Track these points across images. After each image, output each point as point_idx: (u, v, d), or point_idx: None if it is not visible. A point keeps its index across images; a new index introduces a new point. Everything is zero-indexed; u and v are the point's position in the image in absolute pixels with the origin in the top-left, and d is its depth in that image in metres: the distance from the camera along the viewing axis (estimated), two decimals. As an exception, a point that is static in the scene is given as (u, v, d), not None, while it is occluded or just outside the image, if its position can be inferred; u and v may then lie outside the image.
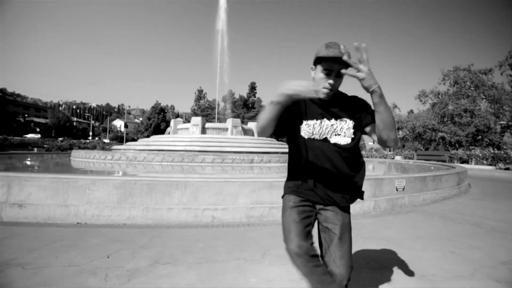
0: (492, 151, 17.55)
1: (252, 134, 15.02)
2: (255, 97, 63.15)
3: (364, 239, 2.83)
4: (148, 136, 27.92)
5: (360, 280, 1.89)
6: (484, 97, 27.05)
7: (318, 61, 1.15)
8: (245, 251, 2.38)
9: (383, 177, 4.46)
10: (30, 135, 38.40)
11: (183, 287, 1.74)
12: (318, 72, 1.15)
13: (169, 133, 14.74)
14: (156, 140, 12.41)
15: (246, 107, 62.27)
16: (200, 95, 64.77)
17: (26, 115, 55.18)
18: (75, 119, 69.17)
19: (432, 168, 9.18)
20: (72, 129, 58.68)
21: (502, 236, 3.08)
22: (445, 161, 16.42)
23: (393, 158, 20.04)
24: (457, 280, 1.96)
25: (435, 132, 26.95)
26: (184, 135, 13.23)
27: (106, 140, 47.16)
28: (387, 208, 4.31)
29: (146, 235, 2.79)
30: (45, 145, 21.72)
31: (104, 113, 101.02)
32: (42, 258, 2.10)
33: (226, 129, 14.43)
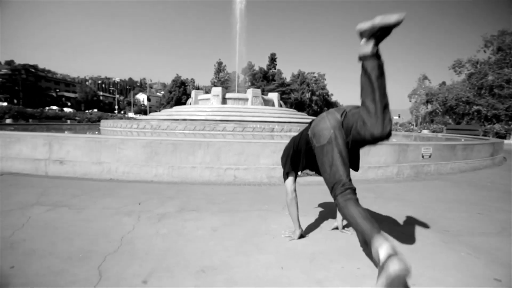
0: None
1: (272, 105, 14.85)
2: (275, 69, 61.35)
3: (386, 199, 2.82)
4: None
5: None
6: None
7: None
8: (267, 204, 2.47)
9: (408, 143, 4.29)
10: (65, 109, 40.78)
11: (207, 227, 1.86)
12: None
13: (190, 104, 14.94)
14: (178, 111, 12.67)
15: (266, 79, 60.93)
16: (219, 67, 64.04)
17: (57, 90, 58.16)
18: (101, 93, 71.89)
19: (462, 140, 8.67)
20: (99, 103, 61.32)
21: (536, 202, 2.92)
22: (478, 135, 15.39)
23: (420, 132, 19.12)
24: (484, 236, 1.91)
25: (469, 105, 25.01)
26: (205, 105, 13.35)
27: (131, 114, 48.90)
28: (411, 175, 4.20)
29: (172, 189, 2.97)
30: (76, 118, 23.04)
31: (127, 87, 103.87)
32: (83, 202, 2.33)
33: (247, 99, 14.33)
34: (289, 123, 10.10)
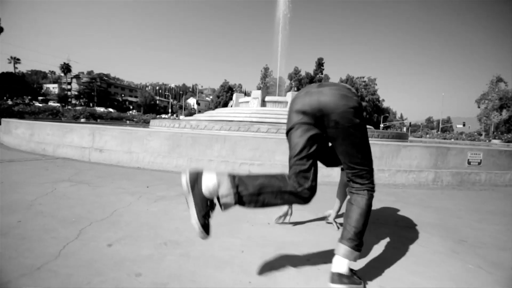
0: None
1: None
2: (322, 73, 59.81)
3: (406, 204, 2.51)
4: (215, 113, 30.16)
5: (382, 234, 1.71)
6: None
7: None
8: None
9: (449, 146, 3.75)
10: (130, 112, 46.61)
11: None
12: None
13: (231, 106, 15.51)
14: (219, 112, 13.24)
15: (312, 85, 59.67)
16: (266, 73, 65.09)
17: (122, 95, 66.24)
18: (157, 98, 79.43)
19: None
20: (156, 107, 67.76)
21: None
22: None
23: (488, 141, 16.49)
24: (509, 252, 1.58)
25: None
26: (244, 107, 13.71)
27: (182, 116, 52.91)
28: (452, 183, 3.66)
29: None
30: (134, 119, 25.92)
31: (180, 92, 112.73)
32: (102, 182, 2.62)
33: (286, 102, 14.33)
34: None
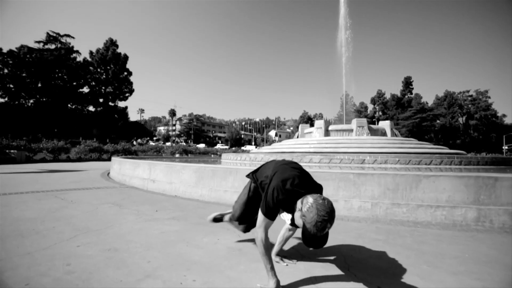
0: None
1: (384, 134, 13.24)
2: (411, 93, 53.19)
3: (400, 247, 2.21)
4: (290, 143, 31.02)
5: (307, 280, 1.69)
6: None
7: None
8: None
9: (497, 176, 2.94)
10: (217, 146, 53.41)
11: (171, 230, 2.33)
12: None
13: (297, 137, 15.79)
14: (282, 144, 13.75)
15: (400, 107, 53.65)
16: (346, 99, 62.74)
17: (213, 132, 76.39)
18: (242, 132, 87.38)
19: None
20: (241, 140, 74.49)
21: None
22: None
23: None
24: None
25: None
26: (306, 138, 13.76)
27: (252, 147, 56.27)
28: (511, 224, 2.83)
29: (197, 206, 3.63)
30: (218, 152, 29.38)
31: (263, 125, 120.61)
32: (129, 204, 3.42)
33: (351, 130, 13.66)
34: (391, 153, 8.77)
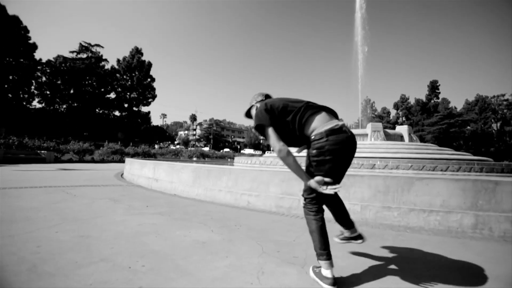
0: None
1: (400, 139, 12.71)
2: (437, 98, 50.48)
3: (376, 252, 2.13)
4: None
5: None
6: None
7: None
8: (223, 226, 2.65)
9: (498, 180, 2.72)
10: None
11: (148, 223, 2.42)
12: None
13: (311, 143, 15.54)
14: (293, 149, 13.63)
15: (425, 112, 51.07)
16: (367, 105, 61.10)
17: (232, 137, 77.42)
18: (261, 137, 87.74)
19: None
20: (260, 145, 74.69)
21: None
22: None
23: None
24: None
25: None
26: (319, 143, 13.52)
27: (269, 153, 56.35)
28: (512, 233, 2.61)
29: (189, 204, 3.72)
30: (235, 157, 29.78)
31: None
32: (126, 200, 3.57)
33: (366, 135, 13.27)
34: (408, 159, 8.38)
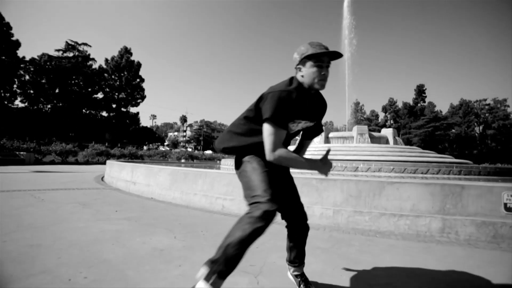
0: None
1: (385, 142, 12.93)
2: (424, 102, 51.78)
3: (339, 258, 2.11)
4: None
5: None
6: None
7: (308, 58, 1.29)
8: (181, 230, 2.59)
9: (463, 184, 2.76)
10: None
11: (110, 229, 2.33)
12: (309, 68, 1.29)
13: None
14: (280, 151, 13.65)
15: (412, 115, 52.28)
16: (356, 107, 62.12)
17: (223, 138, 77.05)
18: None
19: None
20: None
21: None
22: None
23: None
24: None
25: None
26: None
27: None
28: (478, 237, 2.65)
29: (162, 208, 3.62)
30: (224, 158, 29.60)
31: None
32: (97, 204, 3.44)
33: (352, 138, 13.45)
34: (391, 161, 8.51)
